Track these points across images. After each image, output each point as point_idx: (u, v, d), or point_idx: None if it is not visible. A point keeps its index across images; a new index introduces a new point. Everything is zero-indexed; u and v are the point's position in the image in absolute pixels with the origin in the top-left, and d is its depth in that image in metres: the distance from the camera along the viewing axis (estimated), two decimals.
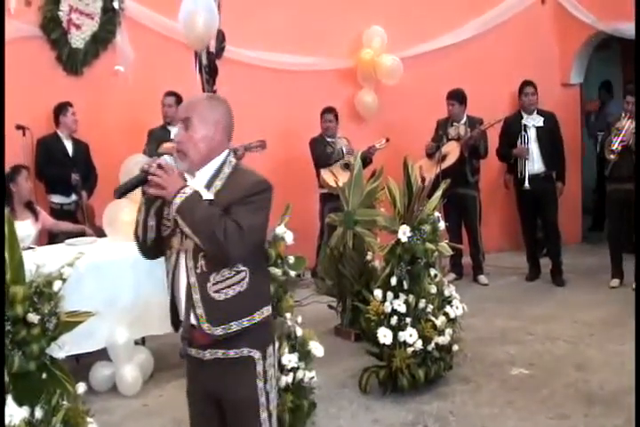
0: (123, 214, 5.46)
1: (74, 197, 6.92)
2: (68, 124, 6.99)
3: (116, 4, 7.35)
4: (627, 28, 8.20)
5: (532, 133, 7.63)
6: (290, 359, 4.16)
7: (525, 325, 6.35)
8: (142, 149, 6.70)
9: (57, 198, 6.92)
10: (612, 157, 7.08)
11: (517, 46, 8.79)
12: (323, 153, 7.62)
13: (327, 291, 6.30)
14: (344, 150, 7.63)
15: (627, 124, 7.02)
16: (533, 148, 7.60)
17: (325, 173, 7.51)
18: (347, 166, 7.37)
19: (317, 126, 7.73)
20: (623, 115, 7.12)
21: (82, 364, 5.25)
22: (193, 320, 2.76)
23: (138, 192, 2.79)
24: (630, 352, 5.56)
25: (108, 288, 5.00)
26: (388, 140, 7.58)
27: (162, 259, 2.92)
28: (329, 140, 7.70)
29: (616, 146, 7.02)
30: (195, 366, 2.89)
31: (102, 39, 7.41)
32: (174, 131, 6.91)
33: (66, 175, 6.79)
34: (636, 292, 3.59)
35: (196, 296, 2.72)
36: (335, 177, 6.78)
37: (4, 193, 5.62)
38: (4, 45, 6.39)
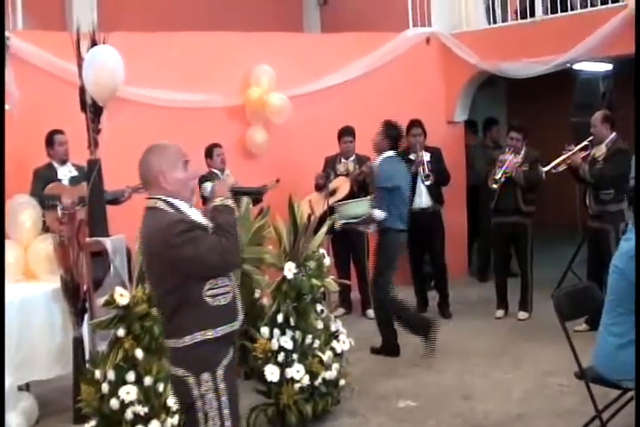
0: (5, 256, 5.32)
1: None
2: None
3: None
4: (508, 68, 8.61)
5: (419, 169, 7.79)
6: None
7: (412, 357, 6.44)
8: (29, 189, 6.57)
9: None
10: (494, 186, 7.35)
11: (404, 85, 9.00)
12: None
13: None
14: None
15: (509, 158, 7.32)
16: (420, 183, 7.76)
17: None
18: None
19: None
20: (507, 149, 7.45)
21: None
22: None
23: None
24: (515, 381, 5.77)
25: None
26: (278, 180, 7.51)
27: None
28: (218, 173, 7.61)
29: (499, 176, 7.29)
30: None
31: None
32: (62, 170, 6.85)
33: None
34: (636, 316, 3.78)
35: None
36: None
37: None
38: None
